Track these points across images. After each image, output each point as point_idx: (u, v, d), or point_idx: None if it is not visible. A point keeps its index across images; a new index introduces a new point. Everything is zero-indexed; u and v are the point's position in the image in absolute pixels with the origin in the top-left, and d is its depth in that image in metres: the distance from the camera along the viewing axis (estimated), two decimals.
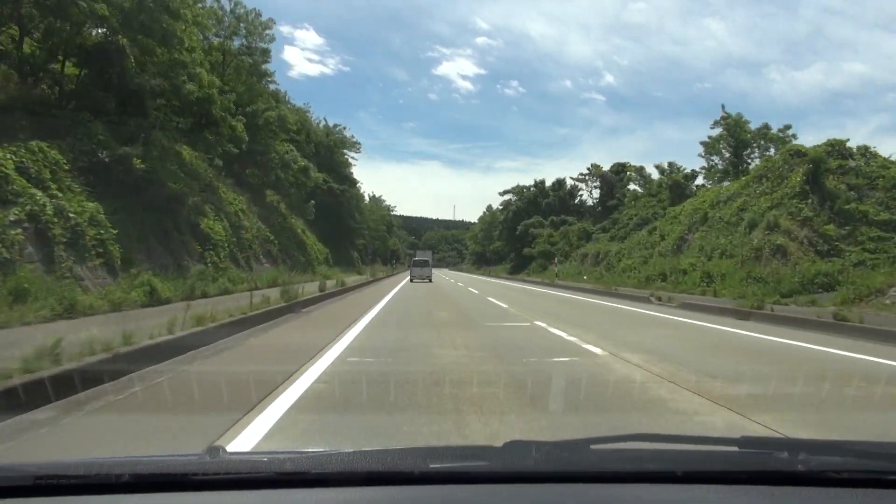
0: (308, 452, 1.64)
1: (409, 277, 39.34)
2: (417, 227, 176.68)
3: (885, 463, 1.62)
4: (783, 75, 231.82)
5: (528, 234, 59.58)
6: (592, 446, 1.73)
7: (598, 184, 53.83)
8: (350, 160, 59.28)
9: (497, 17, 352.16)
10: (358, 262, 66.63)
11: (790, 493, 1.51)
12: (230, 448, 2.90)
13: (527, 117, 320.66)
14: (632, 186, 53.45)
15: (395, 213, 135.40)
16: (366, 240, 72.97)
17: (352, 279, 30.28)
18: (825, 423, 4.46)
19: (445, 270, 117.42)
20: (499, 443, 1.70)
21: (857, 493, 1.49)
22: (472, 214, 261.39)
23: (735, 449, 1.72)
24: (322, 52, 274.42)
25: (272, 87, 54.79)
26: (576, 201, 64.70)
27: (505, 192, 72.97)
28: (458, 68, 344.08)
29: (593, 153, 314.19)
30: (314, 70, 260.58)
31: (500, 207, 74.39)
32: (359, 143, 57.90)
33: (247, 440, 3.77)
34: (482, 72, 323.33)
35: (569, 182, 65.34)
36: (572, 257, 46.33)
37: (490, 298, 19.87)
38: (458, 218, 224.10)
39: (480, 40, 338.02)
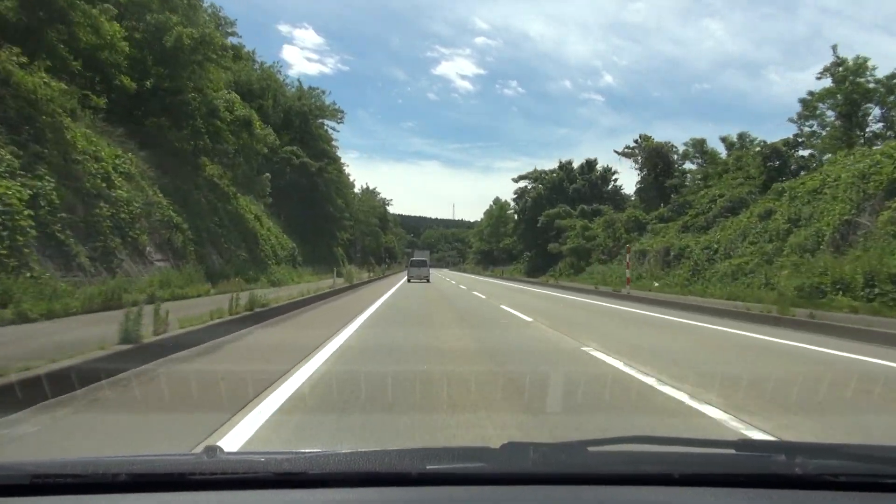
0: (305, 453, 1.61)
1: (406, 278, 39.49)
2: (416, 226, 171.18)
3: (883, 466, 1.59)
4: (782, 76, 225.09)
5: (552, 227, 47.86)
6: (590, 448, 1.68)
7: (638, 160, 41.97)
8: (330, 133, 47.41)
9: (496, 17, 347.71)
10: (343, 260, 55.01)
11: (787, 496, 1.48)
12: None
13: (526, 117, 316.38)
14: (687, 165, 41.81)
15: (394, 212, 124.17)
16: (353, 234, 61.18)
17: (300, 289, 18.48)
18: None
19: (445, 271, 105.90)
20: (496, 444, 1.64)
21: (854, 497, 1.47)
22: (471, 214, 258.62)
23: (732, 452, 1.70)
24: (321, 52, 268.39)
25: (233, 40, 43.56)
26: (609, 187, 53.04)
27: (520, 178, 61.18)
28: (457, 68, 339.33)
29: (592, 153, 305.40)
30: (313, 69, 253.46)
31: (514, 196, 62.57)
32: (341, 112, 46.00)
33: None
34: (481, 72, 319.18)
35: (600, 163, 53.72)
36: (622, 255, 34.60)
37: (609, 360, 7.93)
38: (458, 217, 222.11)
39: (479, 40, 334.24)
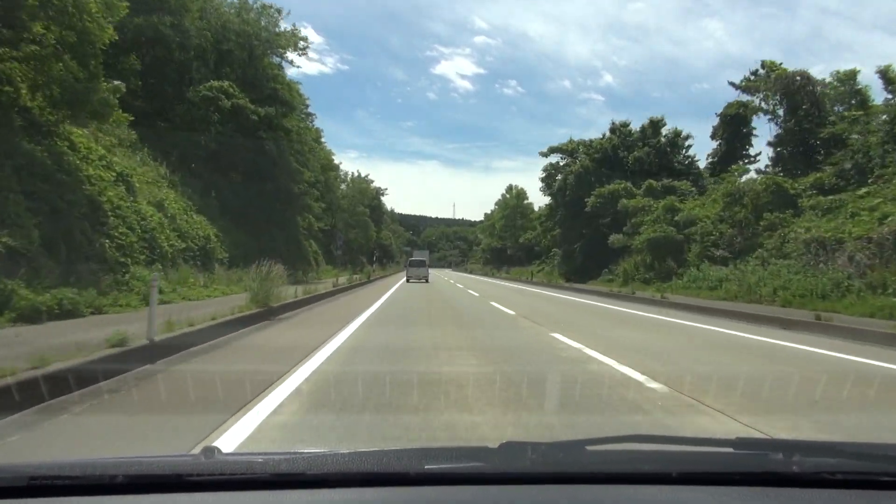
0: (304, 453, 1.59)
1: (405, 278, 38.69)
2: (416, 225, 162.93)
3: (880, 464, 1.54)
4: None
5: (607, 209, 33.55)
6: (588, 447, 1.65)
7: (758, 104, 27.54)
8: (287, 69, 32.88)
9: (496, 17, 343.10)
10: (319, 258, 40.77)
11: (785, 494, 1.45)
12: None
13: (525, 117, 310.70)
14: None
15: (393, 210, 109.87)
16: (333, 223, 46.84)
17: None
18: None
19: (447, 271, 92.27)
20: (494, 443, 1.62)
21: (851, 495, 1.44)
22: (472, 213, 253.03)
23: (730, 450, 1.68)
24: (321, 51, 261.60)
25: None
26: (680, 156, 38.67)
27: (551, 151, 46.65)
28: (457, 67, 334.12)
29: None
30: (313, 69, 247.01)
31: (542, 175, 48.13)
32: (305, 41, 31.44)
33: None
34: (481, 71, 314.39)
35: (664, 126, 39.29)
36: (767, 249, 20.24)
37: None
38: (459, 216, 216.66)
39: (479, 40, 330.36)
